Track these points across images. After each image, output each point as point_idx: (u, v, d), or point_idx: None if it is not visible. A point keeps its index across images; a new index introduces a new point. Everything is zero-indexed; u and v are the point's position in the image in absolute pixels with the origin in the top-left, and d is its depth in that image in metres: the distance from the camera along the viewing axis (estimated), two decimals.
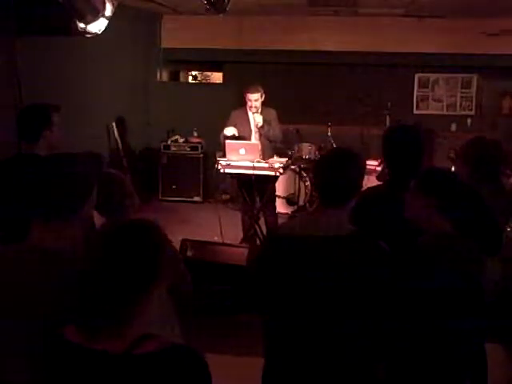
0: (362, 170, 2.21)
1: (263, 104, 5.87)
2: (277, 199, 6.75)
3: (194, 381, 1.43)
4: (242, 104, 6.01)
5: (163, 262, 1.47)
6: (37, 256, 1.66)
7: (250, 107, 5.81)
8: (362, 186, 2.19)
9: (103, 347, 1.40)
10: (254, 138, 5.92)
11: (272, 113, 5.93)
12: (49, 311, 1.57)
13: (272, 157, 5.96)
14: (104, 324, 1.41)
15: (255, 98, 5.76)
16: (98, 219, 2.44)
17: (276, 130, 5.93)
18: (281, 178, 6.38)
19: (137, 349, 1.40)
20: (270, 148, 5.99)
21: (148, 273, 1.43)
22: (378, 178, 5.01)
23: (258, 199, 6.03)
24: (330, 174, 2.09)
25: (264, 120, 5.80)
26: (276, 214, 6.27)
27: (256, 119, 5.81)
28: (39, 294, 1.60)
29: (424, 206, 2.37)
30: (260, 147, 5.73)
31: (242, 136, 5.88)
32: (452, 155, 6.90)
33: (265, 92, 5.88)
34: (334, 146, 7.91)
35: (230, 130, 5.80)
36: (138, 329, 1.44)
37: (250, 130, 5.93)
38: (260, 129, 5.84)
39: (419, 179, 2.43)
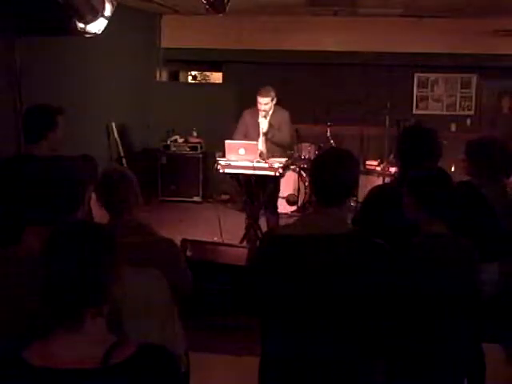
0: (357, 169, 2.24)
1: (278, 104, 5.78)
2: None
3: (169, 380, 1.41)
4: (255, 104, 5.84)
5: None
6: (29, 260, 1.61)
7: (260, 110, 5.70)
8: (357, 185, 2.20)
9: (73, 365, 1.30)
10: (261, 141, 5.83)
11: (284, 115, 5.82)
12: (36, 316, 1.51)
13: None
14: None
15: (265, 102, 5.64)
16: (104, 216, 2.43)
17: (284, 134, 5.81)
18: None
19: (112, 358, 1.32)
20: (278, 152, 5.87)
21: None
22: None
23: (257, 199, 6.01)
24: (326, 174, 2.10)
25: (270, 125, 5.72)
26: (278, 214, 6.22)
27: (261, 124, 5.73)
28: (29, 299, 1.56)
29: (414, 207, 2.38)
30: (265, 150, 5.69)
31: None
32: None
33: None
34: (334, 146, 7.91)
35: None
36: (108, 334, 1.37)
37: (259, 133, 5.85)
38: (265, 134, 5.77)
39: (407, 180, 2.44)
